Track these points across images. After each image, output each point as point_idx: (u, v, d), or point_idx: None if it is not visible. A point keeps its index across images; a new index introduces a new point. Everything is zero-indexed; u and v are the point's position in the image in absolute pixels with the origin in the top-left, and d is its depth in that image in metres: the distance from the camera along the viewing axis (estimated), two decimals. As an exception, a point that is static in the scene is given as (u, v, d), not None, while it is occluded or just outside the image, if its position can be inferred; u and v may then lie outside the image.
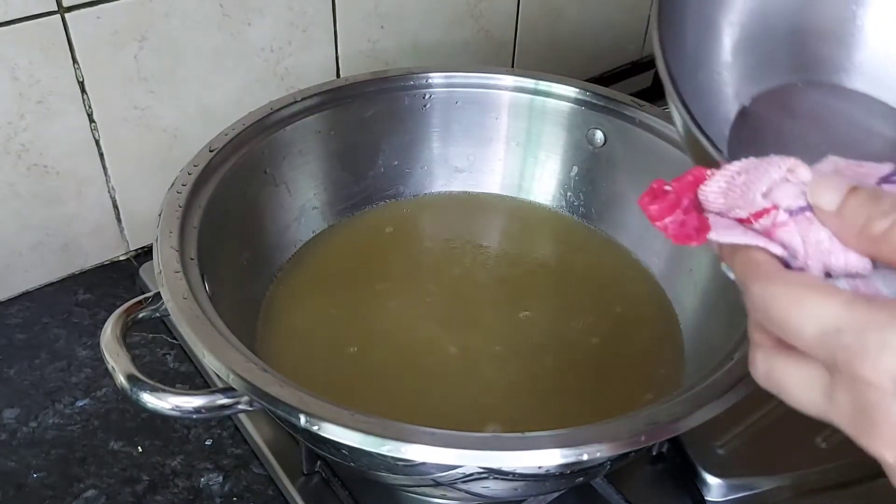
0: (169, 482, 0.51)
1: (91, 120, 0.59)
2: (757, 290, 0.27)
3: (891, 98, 0.41)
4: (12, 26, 0.53)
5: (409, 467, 0.39)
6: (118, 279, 0.65)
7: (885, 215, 0.25)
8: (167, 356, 0.59)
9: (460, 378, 0.51)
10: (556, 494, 0.49)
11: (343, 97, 0.58)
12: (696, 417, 0.37)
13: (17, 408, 0.55)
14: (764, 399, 0.54)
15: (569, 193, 0.63)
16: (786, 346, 0.26)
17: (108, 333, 0.41)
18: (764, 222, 0.28)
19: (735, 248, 0.28)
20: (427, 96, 0.61)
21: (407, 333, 0.54)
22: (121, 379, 0.39)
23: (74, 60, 0.56)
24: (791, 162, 0.27)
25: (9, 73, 0.54)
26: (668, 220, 0.29)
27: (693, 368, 0.51)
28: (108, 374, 0.41)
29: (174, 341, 0.60)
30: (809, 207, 0.27)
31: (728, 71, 0.41)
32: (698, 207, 0.29)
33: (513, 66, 0.83)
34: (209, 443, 0.54)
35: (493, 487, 0.41)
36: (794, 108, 0.41)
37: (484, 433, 0.36)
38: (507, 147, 0.63)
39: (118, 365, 0.39)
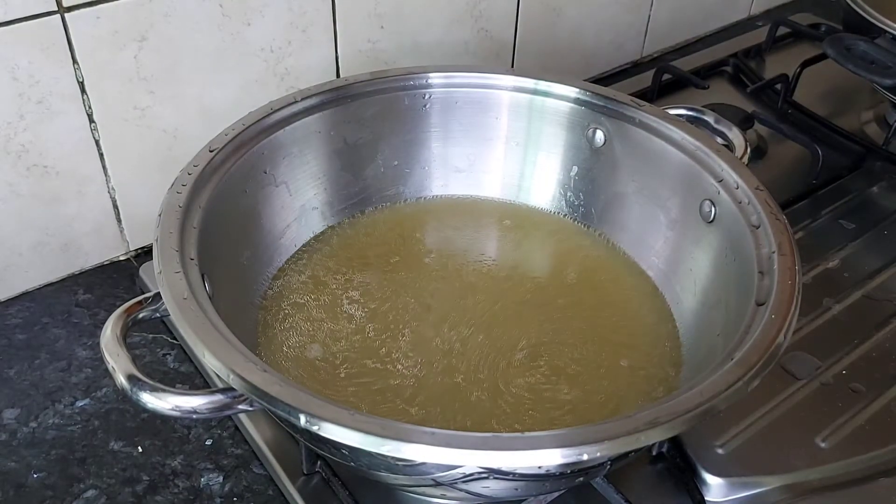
0: (169, 482, 0.51)
1: (91, 120, 0.59)
2: None
3: None
4: (12, 26, 0.53)
5: (409, 467, 0.39)
6: (118, 279, 0.65)
7: None
8: (167, 356, 0.59)
9: (459, 378, 0.51)
10: (556, 494, 0.49)
11: (343, 97, 0.58)
12: (696, 417, 0.37)
13: (18, 408, 0.55)
14: (764, 399, 0.54)
15: (569, 194, 0.63)
16: None
17: (108, 333, 0.41)
18: None
19: None
20: (427, 96, 0.61)
21: (407, 333, 0.54)
22: (121, 379, 0.39)
23: (74, 60, 0.56)
24: None
25: (9, 73, 0.54)
26: None
27: (693, 369, 0.51)
28: (108, 375, 0.41)
29: (174, 341, 0.60)
30: None
31: None
32: None
33: (513, 66, 0.83)
34: (209, 443, 0.54)
35: (493, 487, 0.41)
36: None
37: (484, 433, 0.36)
38: (506, 147, 0.63)
39: (118, 365, 0.39)
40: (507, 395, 0.50)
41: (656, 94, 0.84)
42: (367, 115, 0.60)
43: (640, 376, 0.52)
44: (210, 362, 0.38)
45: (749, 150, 0.56)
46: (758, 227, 0.49)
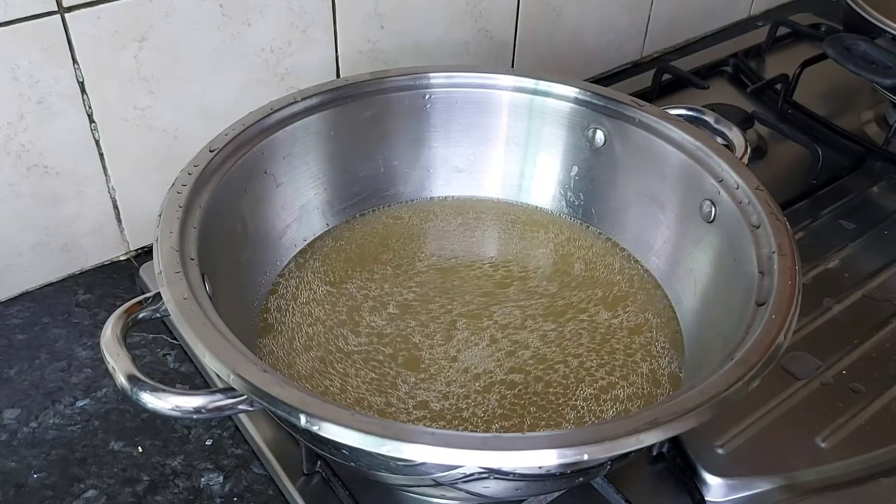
0: (169, 482, 0.51)
1: (91, 120, 0.59)
2: None
3: None
4: (12, 26, 0.53)
5: (409, 467, 0.39)
6: (118, 279, 0.65)
7: None
8: (167, 356, 0.59)
9: (458, 378, 0.51)
10: (556, 494, 0.49)
11: (343, 97, 0.58)
12: (696, 417, 0.37)
13: (18, 408, 0.55)
14: (764, 399, 0.54)
15: (569, 194, 0.63)
16: None
17: (109, 333, 0.41)
18: None
19: None
20: (427, 96, 0.61)
21: (407, 333, 0.54)
22: (121, 379, 0.39)
23: (74, 60, 0.56)
24: None
25: (9, 73, 0.54)
26: None
27: (693, 369, 0.51)
28: (108, 375, 0.41)
29: (174, 341, 0.60)
30: None
31: None
32: None
33: (513, 66, 0.83)
34: (209, 443, 0.54)
35: (493, 487, 0.41)
36: None
37: (484, 433, 0.36)
38: (507, 147, 0.63)
39: (118, 365, 0.39)
40: (510, 394, 0.50)
41: (656, 94, 0.84)
42: (367, 115, 0.60)
43: (642, 376, 0.52)
44: (210, 362, 0.38)
45: (749, 150, 0.56)
46: (758, 227, 0.49)
